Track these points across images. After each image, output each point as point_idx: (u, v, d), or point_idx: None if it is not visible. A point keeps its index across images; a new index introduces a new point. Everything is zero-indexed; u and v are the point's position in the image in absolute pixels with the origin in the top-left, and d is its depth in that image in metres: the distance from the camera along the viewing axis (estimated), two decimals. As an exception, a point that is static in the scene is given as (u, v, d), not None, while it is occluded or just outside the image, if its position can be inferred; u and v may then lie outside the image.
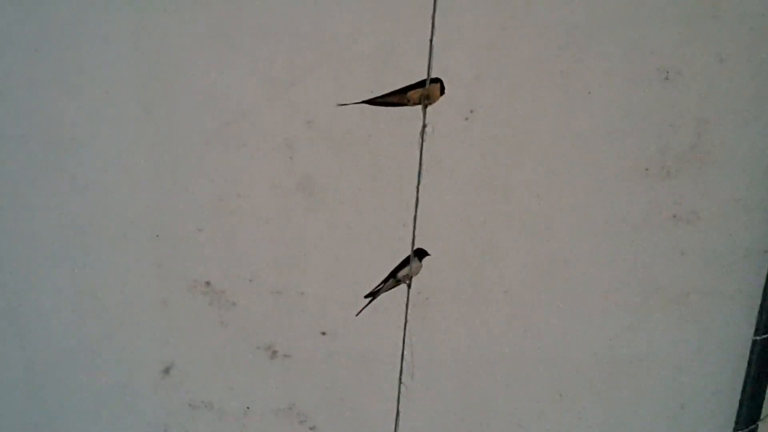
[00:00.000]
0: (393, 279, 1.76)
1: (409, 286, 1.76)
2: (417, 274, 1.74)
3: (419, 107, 1.65)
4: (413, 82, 1.64)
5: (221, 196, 1.75)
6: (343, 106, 1.60)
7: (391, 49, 1.65)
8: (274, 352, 1.89)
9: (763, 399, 1.87)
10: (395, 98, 1.65)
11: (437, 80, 1.63)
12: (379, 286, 1.79)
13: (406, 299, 1.78)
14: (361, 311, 1.82)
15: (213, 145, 1.72)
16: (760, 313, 1.79)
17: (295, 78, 1.67)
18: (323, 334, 1.88)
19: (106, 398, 1.94)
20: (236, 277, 1.82)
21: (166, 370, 1.91)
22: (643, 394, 1.93)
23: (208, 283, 1.82)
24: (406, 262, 1.77)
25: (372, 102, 1.66)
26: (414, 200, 1.71)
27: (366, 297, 1.81)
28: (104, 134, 1.71)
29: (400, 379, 1.83)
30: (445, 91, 1.61)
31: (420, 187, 1.71)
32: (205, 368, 1.90)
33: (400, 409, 1.86)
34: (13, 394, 1.94)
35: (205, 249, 1.79)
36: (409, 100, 1.65)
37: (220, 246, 1.79)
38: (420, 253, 1.73)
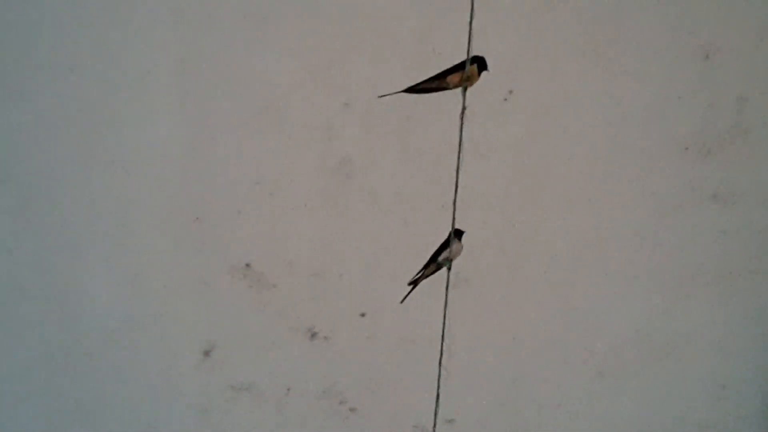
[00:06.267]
0: (434, 264, 1.77)
1: (449, 268, 1.76)
2: (459, 255, 1.74)
3: (459, 89, 1.66)
4: (452, 64, 1.64)
5: (260, 179, 1.75)
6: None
7: (430, 31, 1.64)
8: (314, 334, 1.90)
9: (806, 379, 1.88)
10: (435, 84, 1.65)
11: (476, 59, 1.63)
12: (420, 272, 1.79)
13: (446, 281, 1.79)
14: (404, 299, 1.82)
15: (252, 128, 1.71)
16: (802, 292, 1.79)
17: (332, 60, 1.66)
18: (362, 315, 1.88)
19: (148, 380, 1.95)
20: (276, 259, 1.82)
21: (207, 353, 1.92)
22: (684, 374, 1.93)
23: (248, 266, 1.82)
24: (445, 246, 1.77)
25: (412, 90, 1.65)
26: (453, 182, 1.73)
27: (409, 284, 1.81)
28: (143, 117, 1.71)
29: (440, 361, 1.83)
30: (486, 68, 1.61)
31: (459, 168, 1.72)
32: (246, 350, 1.91)
33: (440, 391, 1.87)
34: (56, 376, 1.95)
35: (245, 231, 1.79)
36: (448, 84, 1.64)
37: (260, 228, 1.79)
38: (458, 234, 1.74)
